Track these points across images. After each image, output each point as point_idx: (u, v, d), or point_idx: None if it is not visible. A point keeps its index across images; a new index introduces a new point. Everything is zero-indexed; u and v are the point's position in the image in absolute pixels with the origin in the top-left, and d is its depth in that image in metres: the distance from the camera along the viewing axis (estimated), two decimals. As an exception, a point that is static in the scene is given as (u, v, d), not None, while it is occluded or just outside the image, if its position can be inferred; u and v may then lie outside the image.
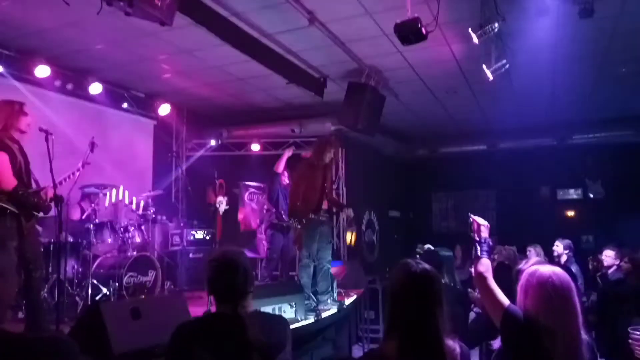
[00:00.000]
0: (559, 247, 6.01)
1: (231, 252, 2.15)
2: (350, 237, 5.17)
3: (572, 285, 1.99)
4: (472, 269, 2.47)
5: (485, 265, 2.27)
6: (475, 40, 4.60)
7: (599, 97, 7.76)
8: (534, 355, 1.95)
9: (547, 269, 2.03)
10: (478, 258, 2.32)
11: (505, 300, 2.13)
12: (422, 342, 1.85)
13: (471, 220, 2.43)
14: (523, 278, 2.08)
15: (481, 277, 2.25)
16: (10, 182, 3.56)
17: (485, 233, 2.39)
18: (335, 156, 5.33)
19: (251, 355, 1.99)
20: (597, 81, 7.07)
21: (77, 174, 4.25)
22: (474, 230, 2.40)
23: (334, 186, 5.95)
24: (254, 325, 2.03)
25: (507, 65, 5.33)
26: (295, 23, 5.08)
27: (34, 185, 3.86)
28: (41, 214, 3.86)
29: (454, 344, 1.95)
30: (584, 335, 1.97)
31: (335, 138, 5.64)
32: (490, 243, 2.38)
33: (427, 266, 1.97)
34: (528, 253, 5.86)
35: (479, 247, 2.35)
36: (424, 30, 4.33)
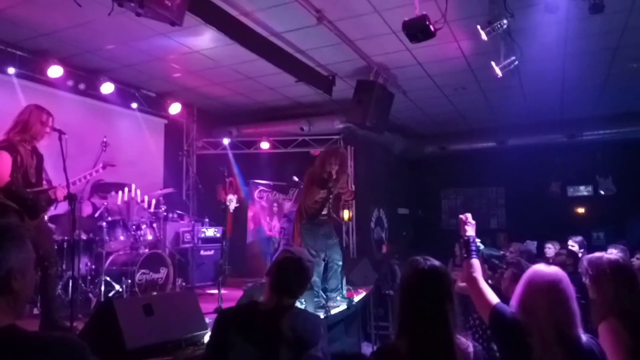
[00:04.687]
0: (574, 246, 5.96)
1: (307, 260, 2.36)
2: (347, 214, 5.39)
3: (563, 284, 1.94)
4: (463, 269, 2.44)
5: (474, 267, 2.27)
6: (484, 37, 4.58)
7: (610, 93, 7.70)
8: (518, 351, 1.95)
9: (540, 268, 2.02)
10: (467, 259, 2.30)
11: (493, 299, 2.14)
12: (433, 338, 1.86)
13: (461, 218, 2.44)
14: (523, 276, 2.07)
15: (471, 278, 2.24)
16: (3, 179, 3.61)
17: (471, 232, 2.37)
18: (339, 167, 5.32)
19: (280, 347, 2.10)
20: (608, 77, 7.01)
21: (94, 174, 4.31)
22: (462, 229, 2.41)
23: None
24: (289, 321, 2.16)
25: (517, 62, 5.30)
26: (303, 22, 5.10)
27: (45, 185, 3.92)
28: (54, 212, 3.94)
29: (467, 342, 1.95)
30: (583, 336, 1.92)
31: (338, 148, 5.61)
32: (477, 241, 2.37)
33: (435, 262, 1.99)
34: (547, 250, 5.87)
35: (464, 248, 2.34)
36: (432, 28, 4.33)
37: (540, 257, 5.93)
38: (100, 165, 4.35)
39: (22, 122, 3.78)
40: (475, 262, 2.28)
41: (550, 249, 5.88)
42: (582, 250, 5.92)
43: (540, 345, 1.87)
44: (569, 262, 4.73)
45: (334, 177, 5.19)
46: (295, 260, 2.29)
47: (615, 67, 6.60)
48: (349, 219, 5.61)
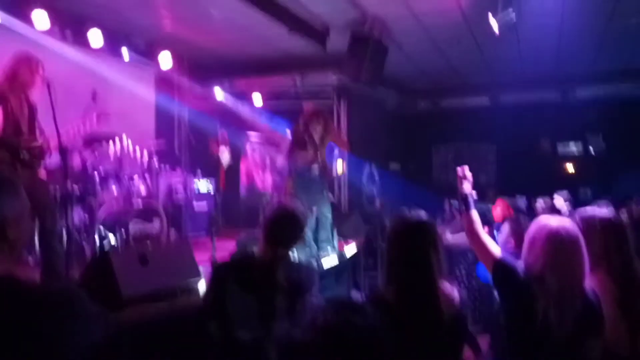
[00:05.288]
0: (559, 200, 6.09)
1: (299, 211, 2.43)
2: (341, 167, 5.58)
3: (581, 239, 1.99)
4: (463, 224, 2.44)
5: (474, 220, 2.26)
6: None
7: (606, 50, 7.62)
8: (521, 301, 2.00)
9: (556, 222, 2.03)
10: (466, 212, 2.30)
11: (496, 251, 2.17)
12: (418, 284, 1.96)
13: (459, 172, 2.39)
14: (532, 228, 2.08)
15: (472, 231, 2.25)
16: None
17: (467, 187, 2.34)
18: (324, 128, 5.29)
19: (276, 295, 2.21)
20: (606, 32, 6.91)
21: (88, 125, 4.24)
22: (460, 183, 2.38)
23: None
24: (284, 271, 2.27)
25: (514, 15, 5.21)
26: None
27: (38, 135, 3.89)
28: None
29: (451, 287, 2.05)
30: (590, 292, 1.98)
31: (321, 109, 5.60)
32: (474, 196, 2.35)
33: (421, 214, 2.07)
34: (537, 205, 5.99)
35: (463, 202, 2.33)
36: (429, -22, 4.22)
37: (529, 212, 6.07)
38: (94, 115, 4.29)
39: (11, 71, 3.72)
40: (475, 215, 2.28)
41: (541, 204, 6.02)
42: (567, 203, 6.07)
43: (552, 296, 1.91)
44: None
45: (317, 140, 5.21)
46: (288, 213, 2.35)
47: (614, 23, 6.50)
48: (343, 172, 5.75)
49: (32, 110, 3.86)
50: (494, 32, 5.22)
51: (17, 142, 3.68)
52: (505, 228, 3.36)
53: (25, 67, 3.75)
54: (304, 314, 2.20)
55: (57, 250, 4.02)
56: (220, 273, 2.38)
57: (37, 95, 3.89)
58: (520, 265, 2.07)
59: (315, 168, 5.38)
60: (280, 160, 8.39)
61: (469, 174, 2.38)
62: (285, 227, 2.34)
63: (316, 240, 5.44)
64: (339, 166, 5.57)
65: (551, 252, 1.96)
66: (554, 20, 6.34)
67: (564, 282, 1.93)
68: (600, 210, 2.34)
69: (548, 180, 8.86)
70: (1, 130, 3.60)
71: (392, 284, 2.03)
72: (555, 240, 1.97)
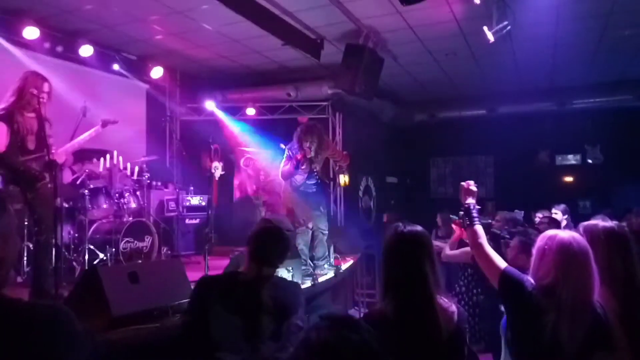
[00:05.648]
0: (558, 214, 6.03)
1: (285, 227, 2.32)
2: (344, 179, 5.57)
3: (591, 252, 1.95)
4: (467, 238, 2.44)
5: (478, 233, 2.26)
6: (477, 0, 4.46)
7: (601, 61, 7.63)
8: (528, 314, 1.95)
9: (568, 234, 2.01)
10: (470, 226, 2.29)
11: (501, 264, 2.14)
12: (414, 298, 1.91)
13: (462, 185, 2.39)
14: (541, 241, 2.05)
15: (477, 244, 2.23)
16: None
17: (471, 199, 2.34)
18: (317, 144, 5.21)
19: (261, 316, 2.11)
20: (600, 44, 6.92)
21: (94, 134, 4.20)
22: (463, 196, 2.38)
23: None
24: (269, 290, 2.16)
25: (509, 27, 5.19)
26: (291, -19, 4.91)
27: (47, 151, 3.85)
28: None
29: (449, 302, 2.01)
30: (598, 305, 1.94)
31: (315, 124, 5.54)
32: (477, 207, 2.34)
33: (415, 227, 2.04)
34: (537, 219, 5.90)
35: (466, 216, 2.31)
36: (424, -11, 4.19)
37: (528, 225, 5.97)
38: (100, 122, 4.25)
39: (18, 89, 3.74)
40: (479, 229, 2.26)
41: (541, 218, 5.94)
42: (565, 217, 5.99)
43: (564, 310, 1.87)
44: (551, 229, 4.75)
45: (310, 155, 5.14)
46: (274, 230, 2.25)
47: (607, 34, 6.52)
48: (346, 184, 5.73)
49: (43, 127, 3.82)
50: (489, 43, 5.19)
51: (16, 159, 3.66)
52: (515, 244, 3.29)
53: (30, 84, 3.76)
54: (290, 336, 2.12)
55: (47, 268, 3.90)
56: (204, 289, 2.27)
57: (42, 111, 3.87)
58: (527, 278, 2.03)
59: (312, 184, 5.32)
60: (274, 176, 8.30)
61: (474, 188, 2.36)
62: (271, 245, 2.24)
63: (312, 258, 5.33)
64: (342, 179, 5.52)
65: (563, 265, 1.92)
66: (549, 30, 6.34)
67: (575, 295, 1.88)
68: (605, 222, 2.29)
69: (547, 193, 8.79)
70: (6, 147, 3.60)
71: (388, 298, 1.98)
72: (568, 252, 1.93)
